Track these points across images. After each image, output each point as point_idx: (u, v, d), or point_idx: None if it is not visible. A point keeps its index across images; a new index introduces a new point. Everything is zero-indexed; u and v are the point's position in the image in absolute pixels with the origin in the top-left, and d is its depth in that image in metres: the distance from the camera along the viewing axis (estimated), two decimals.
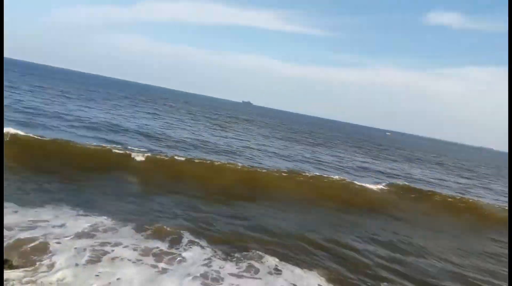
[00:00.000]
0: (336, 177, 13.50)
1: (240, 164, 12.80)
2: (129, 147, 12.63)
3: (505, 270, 7.95)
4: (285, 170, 13.34)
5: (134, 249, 5.84)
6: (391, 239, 8.97)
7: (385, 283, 6.32)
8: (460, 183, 21.98)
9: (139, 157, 11.34)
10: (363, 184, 13.24)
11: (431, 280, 6.87)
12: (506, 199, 18.38)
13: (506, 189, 23.21)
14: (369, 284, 6.22)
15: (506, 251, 9.37)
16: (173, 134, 19.84)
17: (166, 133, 19.73)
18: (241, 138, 24.59)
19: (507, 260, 8.61)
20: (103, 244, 5.78)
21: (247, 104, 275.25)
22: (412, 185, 15.74)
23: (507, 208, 13.60)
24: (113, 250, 5.65)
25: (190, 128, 24.77)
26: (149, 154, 11.82)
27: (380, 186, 13.54)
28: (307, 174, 13.10)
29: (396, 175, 20.06)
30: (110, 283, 4.79)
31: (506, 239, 10.38)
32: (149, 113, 30.40)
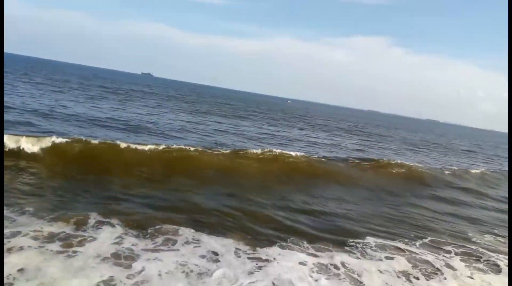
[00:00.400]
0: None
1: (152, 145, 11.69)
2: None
3: None
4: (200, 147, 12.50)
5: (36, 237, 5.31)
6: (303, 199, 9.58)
7: (292, 238, 6.75)
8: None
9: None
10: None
11: (338, 227, 7.58)
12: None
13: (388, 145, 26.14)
14: (282, 237, 6.69)
15: None
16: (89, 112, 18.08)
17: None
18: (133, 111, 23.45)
19: None
20: None
21: (147, 76, 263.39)
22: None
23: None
24: (9, 241, 5.06)
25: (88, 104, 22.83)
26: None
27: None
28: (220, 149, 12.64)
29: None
30: (10, 274, 4.30)
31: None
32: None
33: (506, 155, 34.01)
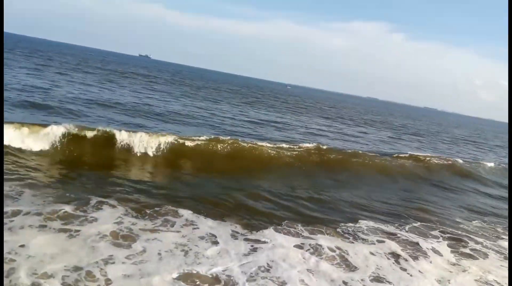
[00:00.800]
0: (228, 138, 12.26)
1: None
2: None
3: None
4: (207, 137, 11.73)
5: (38, 214, 5.48)
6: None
7: (286, 221, 7.04)
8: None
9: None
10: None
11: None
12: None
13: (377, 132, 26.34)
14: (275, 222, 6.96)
15: None
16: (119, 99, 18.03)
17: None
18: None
19: None
20: None
21: (145, 58, 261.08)
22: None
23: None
24: (12, 220, 5.22)
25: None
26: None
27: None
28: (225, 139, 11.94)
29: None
30: (12, 249, 4.48)
31: None
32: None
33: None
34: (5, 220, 5.15)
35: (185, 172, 9.64)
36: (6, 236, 4.77)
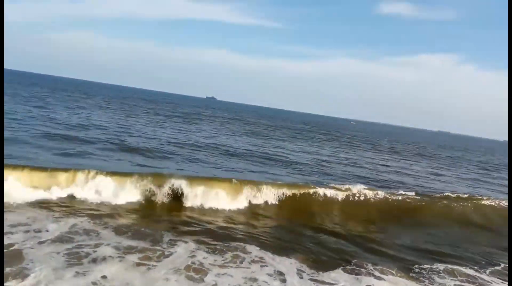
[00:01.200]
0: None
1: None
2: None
3: None
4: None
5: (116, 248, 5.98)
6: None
7: (355, 260, 6.86)
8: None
9: None
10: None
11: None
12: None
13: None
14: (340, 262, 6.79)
15: None
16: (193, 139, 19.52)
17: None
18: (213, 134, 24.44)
19: None
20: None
21: (211, 99, 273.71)
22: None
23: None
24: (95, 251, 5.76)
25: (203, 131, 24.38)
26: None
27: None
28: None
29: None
30: (96, 279, 4.93)
31: None
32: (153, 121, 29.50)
33: None
34: (89, 251, 5.69)
35: (260, 213, 9.72)
36: (91, 267, 5.26)
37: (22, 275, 4.79)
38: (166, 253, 6.06)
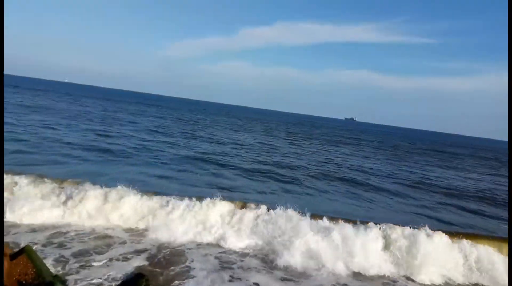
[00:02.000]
0: None
1: None
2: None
3: None
4: None
5: None
6: None
7: None
8: None
9: None
10: None
11: None
12: None
13: None
14: None
15: None
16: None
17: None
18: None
19: None
20: None
21: (350, 121, 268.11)
22: None
23: None
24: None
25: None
26: None
27: None
28: None
29: None
30: None
31: None
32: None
33: None
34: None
35: None
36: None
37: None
38: None
